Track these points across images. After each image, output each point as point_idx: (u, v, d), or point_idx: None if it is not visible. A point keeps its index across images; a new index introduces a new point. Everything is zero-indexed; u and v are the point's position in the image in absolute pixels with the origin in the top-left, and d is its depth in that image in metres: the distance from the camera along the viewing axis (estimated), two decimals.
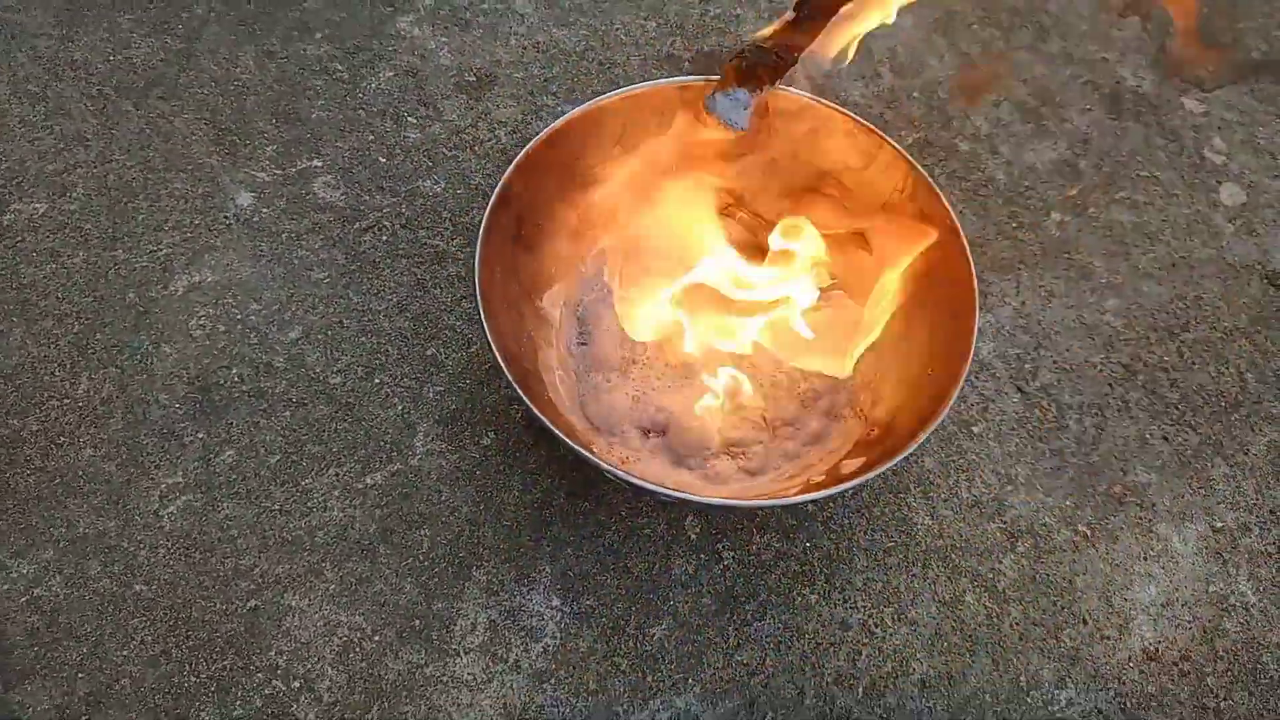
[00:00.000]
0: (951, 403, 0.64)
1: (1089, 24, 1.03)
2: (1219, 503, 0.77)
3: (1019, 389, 0.81)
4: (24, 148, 0.86)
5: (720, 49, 0.97)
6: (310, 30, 0.95)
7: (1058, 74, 0.99)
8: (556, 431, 0.62)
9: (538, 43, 0.96)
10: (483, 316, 0.65)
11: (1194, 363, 0.83)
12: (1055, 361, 0.82)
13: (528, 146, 0.71)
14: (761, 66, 0.62)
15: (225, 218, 0.84)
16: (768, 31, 0.65)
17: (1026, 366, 0.82)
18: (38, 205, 0.83)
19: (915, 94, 0.96)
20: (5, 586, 0.68)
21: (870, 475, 0.63)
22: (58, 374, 0.76)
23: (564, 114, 0.88)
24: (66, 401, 0.75)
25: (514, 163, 0.71)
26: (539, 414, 0.62)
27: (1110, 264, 0.87)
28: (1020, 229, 0.89)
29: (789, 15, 0.63)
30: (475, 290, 0.66)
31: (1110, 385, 0.81)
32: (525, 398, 0.62)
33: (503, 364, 0.63)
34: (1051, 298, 0.85)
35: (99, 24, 0.94)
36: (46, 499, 0.71)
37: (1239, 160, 0.94)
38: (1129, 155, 0.94)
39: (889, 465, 0.63)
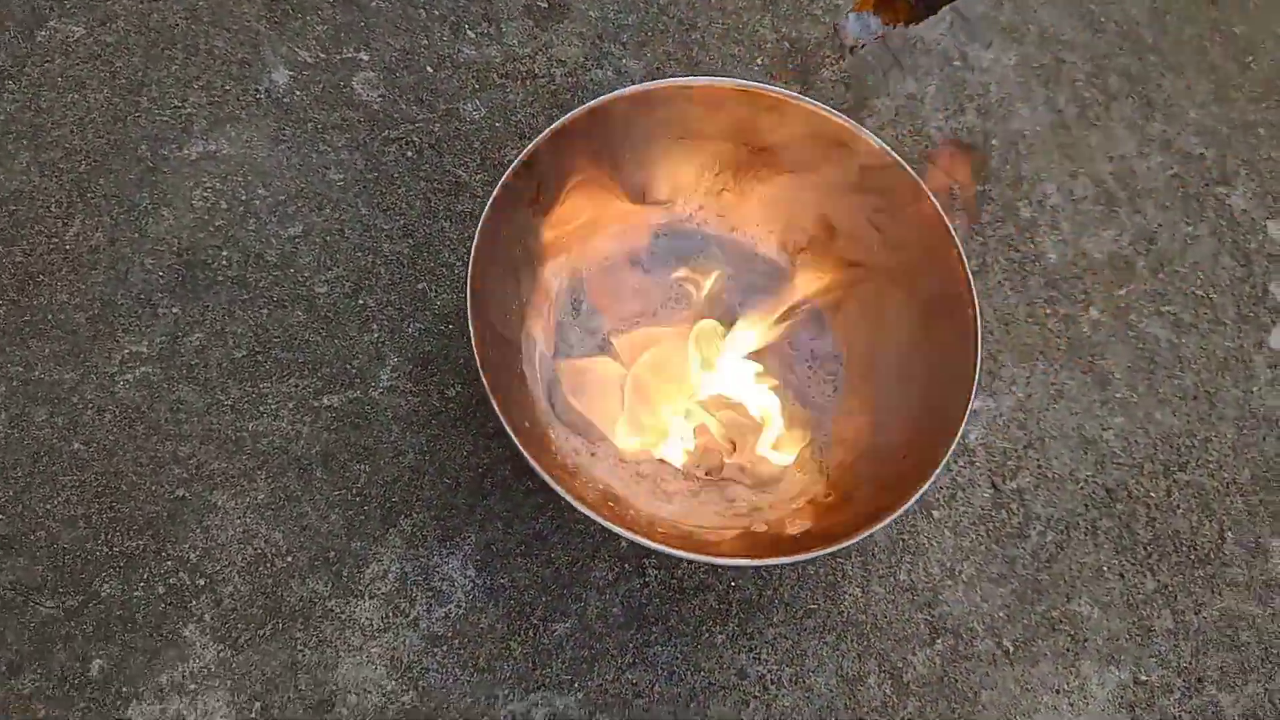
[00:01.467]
0: (907, 506, 0.62)
1: (1199, 112, 0.96)
2: (1150, 656, 0.75)
3: (993, 485, 0.78)
4: None
5: (807, 39, 0.91)
6: None
7: (1148, 158, 0.92)
8: (502, 419, 0.60)
9: None
10: (468, 285, 0.63)
11: (1179, 506, 0.80)
12: (1040, 466, 0.79)
13: (563, 118, 0.68)
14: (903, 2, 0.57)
15: (257, 90, 0.81)
16: None
17: (1009, 464, 0.79)
18: (75, 28, 0.81)
19: (994, 140, 0.90)
20: None
21: (805, 557, 0.62)
22: (53, 210, 0.75)
23: (625, 69, 0.85)
24: (54, 240, 0.75)
25: (546, 131, 0.68)
26: (495, 405, 0.61)
27: (1131, 379, 0.83)
28: (1053, 317, 0.84)
29: None
30: (469, 254, 0.63)
31: (1086, 506, 0.79)
32: (486, 384, 0.61)
33: (474, 338, 0.62)
34: (1060, 398, 0.82)
35: None
36: (10, 334, 0.72)
37: None
38: (1190, 268, 0.88)
39: (825, 552, 0.62)
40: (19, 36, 0.79)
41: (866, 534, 0.61)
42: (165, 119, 0.79)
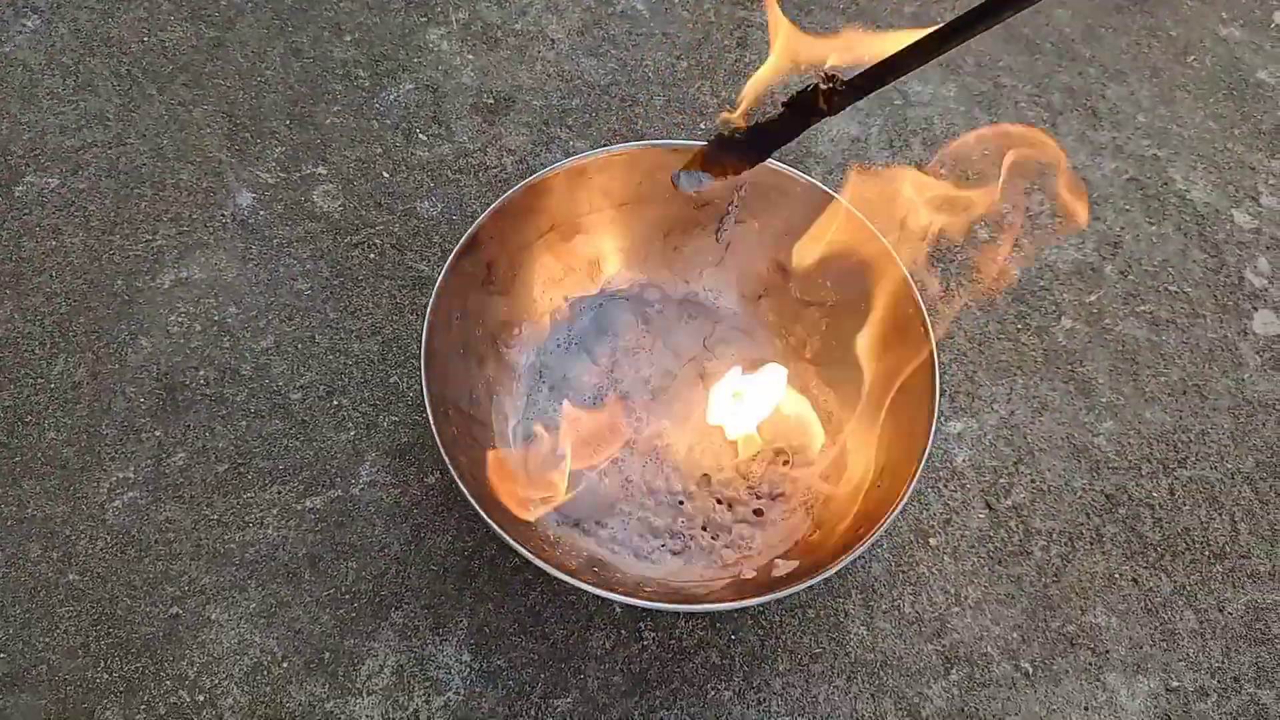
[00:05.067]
0: (882, 528, 0.61)
1: (1147, 115, 0.97)
2: (1179, 660, 0.72)
3: (988, 504, 0.77)
4: (47, 120, 0.88)
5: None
6: (341, 32, 0.95)
7: (1101, 166, 0.93)
8: (471, 499, 0.61)
9: (563, 70, 0.95)
10: (423, 371, 0.65)
11: (1185, 503, 0.78)
12: (1033, 481, 0.78)
13: (504, 195, 0.70)
14: (730, 158, 0.60)
15: (223, 215, 0.85)
16: (739, 115, 0.63)
17: (1001, 481, 0.78)
18: (50, 180, 0.86)
19: (943, 170, 0.92)
20: None
21: (789, 591, 0.61)
22: (37, 352, 0.78)
23: (574, 149, 0.88)
24: (40, 381, 0.77)
25: (488, 210, 0.70)
26: (459, 482, 0.61)
27: (1115, 382, 0.82)
28: (1025, 331, 0.84)
29: (778, 111, 0.60)
30: (421, 339, 0.65)
31: (1087, 515, 0.77)
32: (447, 459, 0.62)
33: (433, 421, 0.63)
34: (1044, 410, 0.81)
35: (141, 2, 0.96)
36: (3, 476, 0.74)
37: None
38: (1160, 265, 0.88)
39: (808, 583, 0.61)
40: None
41: (850, 558, 0.60)
42: (138, 253, 0.82)
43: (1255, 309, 0.87)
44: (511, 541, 0.59)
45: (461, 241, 0.68)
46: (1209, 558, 0.76)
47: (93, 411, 0.76)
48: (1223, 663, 0.73)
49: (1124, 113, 0.97)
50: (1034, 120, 0.96)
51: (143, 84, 0.91)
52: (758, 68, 0.96)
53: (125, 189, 0.85)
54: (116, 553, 0.72)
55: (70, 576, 0.71)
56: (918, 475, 0.63)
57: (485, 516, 0.60)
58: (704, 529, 0.73)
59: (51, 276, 0.81)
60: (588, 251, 0.78)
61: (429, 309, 0.66)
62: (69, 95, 0.90)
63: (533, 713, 0.68)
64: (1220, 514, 0.78)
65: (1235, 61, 1.02)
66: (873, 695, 0.70)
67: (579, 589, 0.71)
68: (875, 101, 0.95)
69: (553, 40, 0.97)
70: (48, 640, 0.69)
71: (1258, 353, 0.85)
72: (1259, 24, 1.04)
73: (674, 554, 0.71)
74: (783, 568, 0.68)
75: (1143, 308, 0.86)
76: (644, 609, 0.72)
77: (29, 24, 0.93)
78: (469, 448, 0.68)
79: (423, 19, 0.97)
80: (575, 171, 0.72)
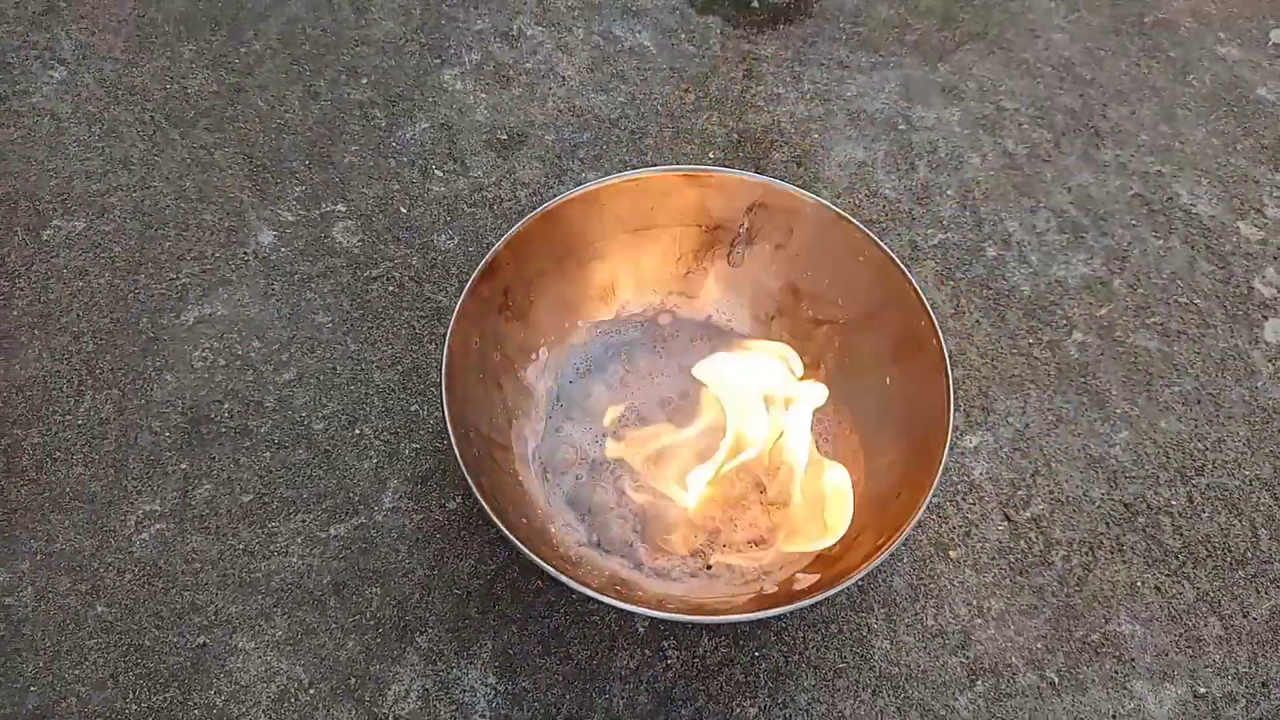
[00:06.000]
0: (902, 538, 0.61)
1: (1150, 134, 0.98)
2: (1206, 667, 0.72)
3: (1006, 517, 0.77)
4: (74, 166, 0.91)
5: (755, 128, 0.96)
6: (358, 75, 0.98)
7: (1105, 184, 0.94)
8: (494, 518, 0.62)
9: (574, 106, 0.97)
10: (443, 392, 0.66)
11: (1204, 510, 0.78)
12: (1051, 492, 0.78)
13: (519, 224, 0.72)
14: None
15: (245, 253, 0.87)
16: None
17: (1019, 493, 0.78)
18: (76, 224, 0.88)
19: (949, 191, 0.93)
20: None
21: (810, 601, 0.62)
22: (65, 390, 0.80)
23: (585, 180, 0.89)
24: (68, 418, 0.79)
25: (504, 238, 0.72)
26: (481, 499, 0.62)
27: (1129, 393, 0.83)
28: (1037, 345, 0.85)
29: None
30: (442, 365, 0.66)
31: (1107, 525, 0.77)
32: (470, 479, 0.63)
33: (454, 443, 0.64)
34: (1059, 423, 0.81)
35: (164, 52, 0.99)
36: (33, 511, 0.75)
37: None
38: (1169, 278, 0.89)
39: (830, 593, 0.61)
40: (27, 239, 0.86)
41: (870, 567, 0.61)
42: (162, 291, 0.84)
43: (1266, 318, 0.87)
44: (534, 557, 0.60)
45: (479, 268, 0.70)
46: (1231, 564, 0.76)
47: (119, 446, 0.78)
48: (1250, 668, 0.72)
49: (1126, 131, 0.98)
50: (1037, 141, 0.97)
51: (166, 129, 0.94)
52: (764, 99, 0.98)
53: (150, 230, 0.88)
54: (144, 584, 0.73)
55: (99, 609, 0.72)
56: (935, 484, 0.64)
57: (507, 533, 0.61)
58: (725, 547, 0.73)
59: (78, 316, 0.83)
60: (602, 277, 0.79)
61: (448, 334, 0.67)
62: (94, 142, 0.92)
63: None
64: (1240, 520, 0.78)
65: (1235, 80, 1.03)
66: (899, 709, 0.70)
67: (601, 610, 0.72)
68: (879, 126, 0.97)
69: (563, 77, 0.99)
70: (77, 673, 0.70)
71: (1270, 360, 0.85)
72: (1256, 43, 1.06)
73: (692, 576, 0.72)
74: (804, 581, 0.68)
75: (1153, 319, 0.87)
76: (666, 627, 0.72)
77: (56, 75, 0.97)
78: (490, 470, 0.69)
79: (437, 60, 1.00)
80: (589, 198, 0.74)
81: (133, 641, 0.71)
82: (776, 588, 0.69)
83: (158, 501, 0.76)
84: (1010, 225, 0.92)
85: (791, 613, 0.73)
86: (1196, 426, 0.82)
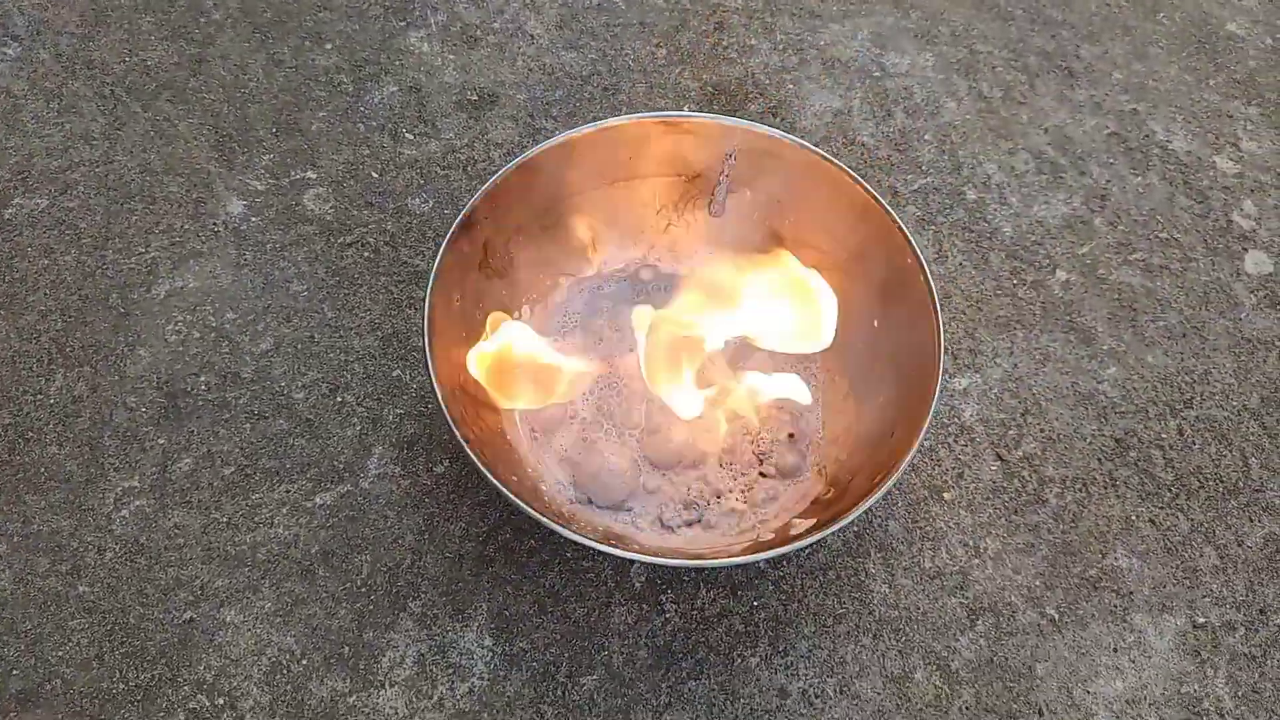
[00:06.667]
0: (894, 478, 0.61)
1: (1123, 72, 0.98)
2: (1204, 596, 0.72)
3: (999, 456, 0.77)
4: (33, 143, 0.88)
5: (728, 80, 0.95)
6: (321, 40, 0.96)
7: (1082, 123, 0.94)
8: (486, 472, 0.60)
9: (544, 64, 0.95)
10: (426, 348, 0.64)
11: (1194, 442, 0.78)
12: (1042, 430, 0.78)
13: (496, 175, 0.71)
14: None
15: (215, 224, 0.85)
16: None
17: (1010, 433, 0.78)
18: (39, 201, 0.85)
19: (927, 136, 0.92)
20: None
21: (809, 540, 0.61)
22: (35, 369, 0.78)
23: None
24: (39, 398, 0.77)
25: (481, 190, 0.70)
26: (471, 453, 0.61)
27: (1115, 330, 0.83)
28: (1021, 286, 0.85)
29: None
30: (424, 320, 0.65)
31: (1099, 460, 0.77)
32: (457, 432, 0.61)
33: (440, 398, 0.62)
34: (1047, 361, 0.81)
35: (120, 25, 0.96)
36: (7, 493, 0.73)
37: (1270, 227, 0.88)
38: (1149, 214, 0.89)
39: (829, 531, 0.60)
40: None
41: (865, 506, 0.60)
42: (132, 266, 0.82)
43: (1245, 250, 0.87)
44: (529, 509, 0.59)
45: (457, 221, 0.68)
46: (1223, 494, 0.76)
47: (94, 424, 0.76)
48: (1247, 596, 0.72)
49: (1100, 71, 0.98)
50: (1011, 83, 0.97)
51: (127, 103, 0.91)
52: (737, 51, 0.97)
53: (115, 205, 0.85)
54: (126, 562, 0.71)
55: (80, 589, 0.70)
56: (928, 422, 0.63)
57: (500, 487, 0.59)
58: (718, 498, 0.72)
59: (45, 294, 0.81)
60: (582, 231, 0.78)
61: (429, 289, 0.66)
62: (53, 118, 0.90)
63: (559, 692, 0.67)
64: (1230, 450, 0.78)
65: (1204, 16, 1.03)
66: (900, 652, 0.70)
67: (597, 566, 0.71)
68: (854, 74, 0.96)
69: (532, 36, 0.97)
70: (60, 654, 0.68)
71: (1251, 292, 0.85)
72: None
73: (689, 525, 0.71)
74: (800, 527, 0.67)
75: (1135, 256, 0.87)
76: (664, 580, 0.71)
77: (9, 51, 0.94)
78: (478, 429, 0.68)
79: (401, 23, 0.97)
80: (566, 148, 0.73)
81: (117, 620, 0.69)
82: (773, 535, 0.69)
83: (136, 478, 0.74)
84: (989, 168, 0.91)
85: (789, 559, 0.72)
86: (1183, 360, 0.82)
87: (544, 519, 0.59)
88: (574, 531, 0.59)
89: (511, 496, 0.59)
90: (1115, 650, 0.70)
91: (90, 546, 0.71)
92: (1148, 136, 0.94)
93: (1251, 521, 0.75)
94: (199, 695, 0.67)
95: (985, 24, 1.01)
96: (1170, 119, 0.95)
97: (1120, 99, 0.96)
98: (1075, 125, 0.94)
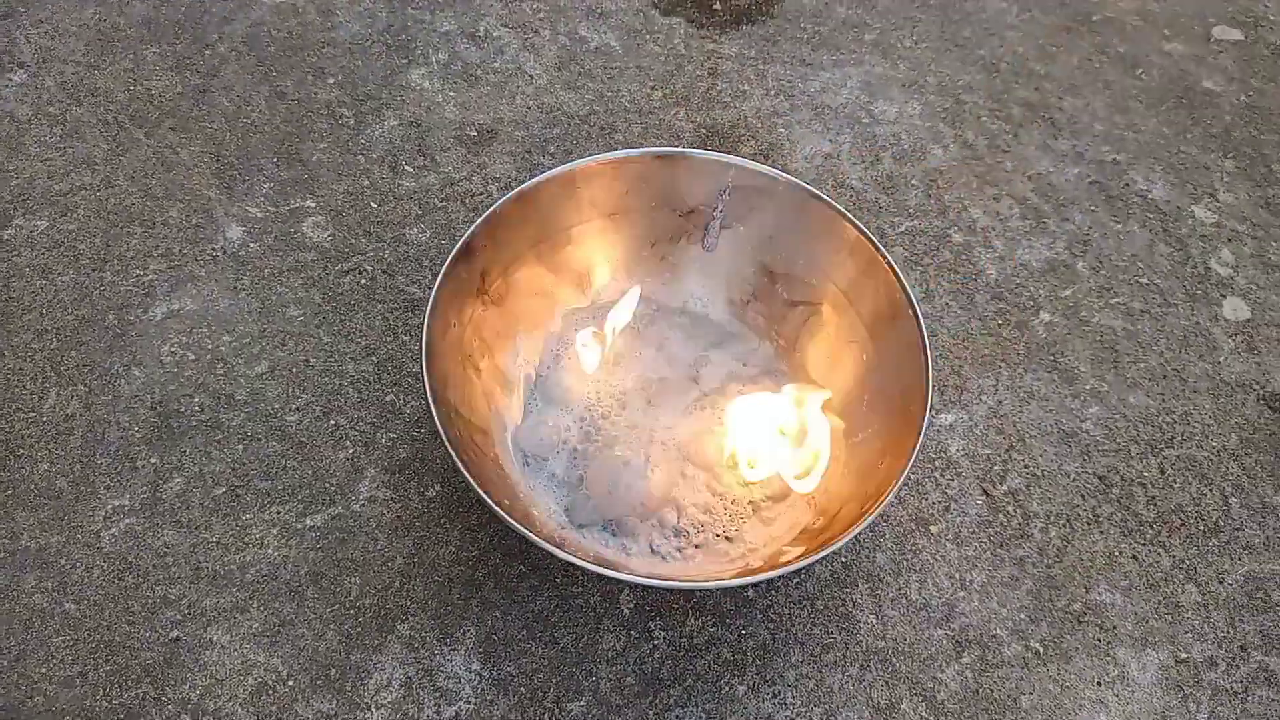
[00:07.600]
0: (885, 503, 0.62)
1: (1104, 124, 1.01)
2: (1186, 632, 0.73)
3: (985, 491, 0.78)
4: (35, 167, 0.89)
5: (722, 122, 0.98)
6: (324, 75, 0.98)
7: (1064, 172, 0.97)
8: (483, 494, 0.61)
9: (543, 103, 0.98)
10: (424, 370, 0.65)
11: (1175, 481, 0.80)
12: (1027, 466, 0.79)
13: (496, 204, 0.72)
14: None
15: (213, 249, 0.86)
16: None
17: (995, 469, 0.79)
18: (38, 223, 0.86)
19: (914, 181, 0.95)
20: None
21: (799, 565, 0.61)
22: (29, 387, 0.78)
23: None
24: (31, 415, 0.77)
25: (482, 218, 0.72)
26: (467, 475, 0.61)
27: (1097, 370, 0.85)
28: (1006, 326, 0.86)
29: None
30: (422, 342, 0.66)
31: (1082, 497, 0.78)
32: (454, 453, 0.62)
33: (437, 419, 0.63)
34: (1031, 399, 0.83)
35: (126, 55, 0.98)
36: None
37: (1246, 274, 0.91)
38: (1129, 260, 0.91)
39: (818, 557, 0.61)
40: None
41: (854, 533, 0.61)
42: (129, 288, 0.83)
43: (1224, 296, 0.90)
44: (522, 529, 0.59)
45: (456, 248, 0.69)
46: (1204, 532, 0.77)
47: (86, 442, 0.76)
48: (1228, 632, 0.73)
49: (1081, 122, 1.01)
50: (996, 132, 1.00)
51: (130, 130, 0.92)
52: (730, 95, 0.99)
53: (115, 228, 0.86)
54: (113, 579, 0.71)
55: (66, 605, 0.70)
56: (916, 451, 0.64)
57: (495, 508, 0.60)
58: (708, 527, 0.73)
59: (41, 314, 0.81)
60: (578, 262, 0.79)
61: (428, 313, 0.67)
62: (56, 143, 0.91)
63: (546, 718, 0.67)
64: (1211, 490, 0.79)
65: (1182, 74, 1.07)
66: (887, 683, 0.70)
67: (586, 592, 0.72)
68: (843, 120, 0.99)
69: (531, 76, 1.00)
70: (43, 671, 0.67)
71: (1230, 337, 0.87)
72: (1199, 38, 1.10)
73: (680, 551, 0.71)
74: (789, 554, 0.68)
75: (1116, 300, 0.89)
76: (653, 607, 0.71)
77: (15, 78, 0.95)
78: (471, 454, 0.68)
79: (403, 60, 1.00)
80: (564, 180, 0.74)
81: (102, 638, 0.69)
82: (763, 563, 0.69)
83: (127, 496, 0.74)
84: (974, 212, 0.93)
85: (778, 589, 0.73)
86: (1164, 401, 0.83)
87: (540, 541, 0.59)
88: (568, 553, 0.60)
89: (506, 518, 0.60)
90: (1099, 684, 0.71)
91: (78, 564, 0.71)
92: (1128, 185, 0.96)
93: (1232, 559, 0.76)
94: (183, 715, 0.66)
95: (971, 75, 1.04)
96: (1150, 169, 0.98)
97: (1101, 149, 0.99)
98: (1058, 173, 0.97)
